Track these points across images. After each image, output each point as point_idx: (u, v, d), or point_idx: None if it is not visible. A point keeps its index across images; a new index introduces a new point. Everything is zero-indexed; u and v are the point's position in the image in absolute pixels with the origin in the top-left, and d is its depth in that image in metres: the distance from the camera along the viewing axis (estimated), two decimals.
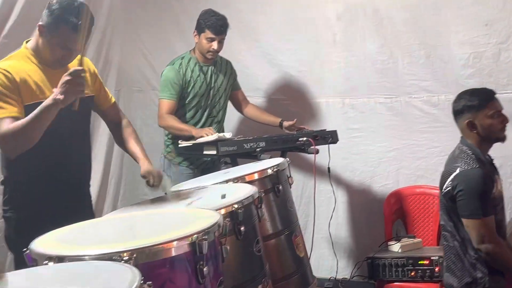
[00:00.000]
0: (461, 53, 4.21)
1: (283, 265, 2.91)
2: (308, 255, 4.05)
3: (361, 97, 4.46)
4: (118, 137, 3.07)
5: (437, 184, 3.44)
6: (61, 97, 2.41)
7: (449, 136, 3.96)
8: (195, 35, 4.02)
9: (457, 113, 3.25)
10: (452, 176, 3.09)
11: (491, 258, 3.00)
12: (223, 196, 2.47)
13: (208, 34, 3.94)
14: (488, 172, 3.11)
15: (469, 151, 3.12)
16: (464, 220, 3.04)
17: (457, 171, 3.07)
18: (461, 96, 3.27)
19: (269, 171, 2.89)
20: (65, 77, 2.42)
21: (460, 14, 4.20)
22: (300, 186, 4.46)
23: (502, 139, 3.18)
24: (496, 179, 3.18)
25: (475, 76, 4.17)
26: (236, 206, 2.34)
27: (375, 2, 4.34)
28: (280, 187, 2.91)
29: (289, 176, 3.10)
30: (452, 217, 3.13)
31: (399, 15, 4.30)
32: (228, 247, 2.19)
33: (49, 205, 2.70)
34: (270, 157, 3.51)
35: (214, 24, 3.93)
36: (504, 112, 3.20)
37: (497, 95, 3.23)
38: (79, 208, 2.87)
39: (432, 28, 4.27)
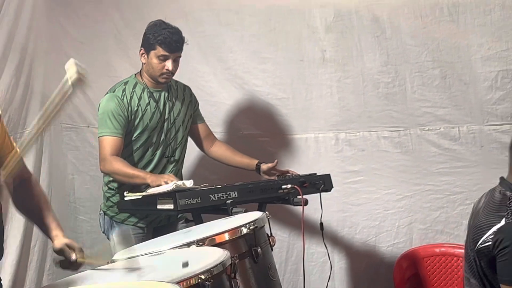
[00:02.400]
0: (487, 71, 4.27)
1: None
2: None
3: (360, 131, 4.49)
4: (21, 198, 2.84)
5: (462, 242, 3.44)
6: None
7: (475, 179, 4.01)
8: (142, 53, 3.99)
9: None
10: (493, 230, 3.00)
11: None
12: (185, 264, 2.44)
13: (160, 51, 3.92)
14: None
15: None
16: (503, 287, 3.00)
17: (502, 222, 2.99)
18: None
19: (244, 230, 2.89)
20: None
21: (483, 22, 4.26)
22: (285, 248, 4.49)
23: None
24: None
25: (506, 100, 4.23)
26: (202, 277, 2.33)
27: (374, 8, 4.37)
28: (259, 250, 2.92)
29: (269, 235, 3.10)
30: (485, 283, 3.10)
31: (406, 23, 4.35)
32: None
33: None
34: (245, 211, 3.48)
35: (167, 39, 3.92)
36: None
37: None
38: None
39: (448, 40, 4.32)
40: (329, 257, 4.28)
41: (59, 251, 2.65)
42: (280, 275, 4.26)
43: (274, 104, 4.55)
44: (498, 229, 2.96)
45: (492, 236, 2.97)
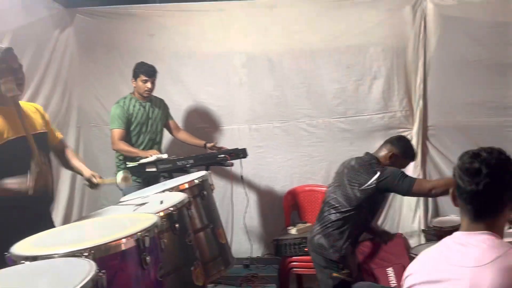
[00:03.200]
0: (331, 88, 4.34)
1: (210, 251, 2.92)
2: (229, 242, 4.08)
3: (263, 123, 4.47)
4: (62, 160, 2.95)
5: (321, 183, 3.47)
6: None
7: (326, 149, 4.09)
8: (133, 80, 3.98)
9: (390, 143, 3.22)
10: (375, 177, 2.97)
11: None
12: (161, 202, 2.46)
13: (143, 77, 3.92)
14: None
15: (377, 164, 3.08)
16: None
17: (378, 173, 2.98)
18: (401, 139, 3.30)
19: (196, 181, 2.91)
20: None
21: (329, 60, 4.34)
22: (222, 191, 4.42)
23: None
24: None
25: (341, 104, 4.31)
26: (171, 209, 2.35)
27: (268, 54, 4.38)
28: (205, 193, 2.94)
29: (211, 184, 3.12)
30: (352, 204, 3.03)
31: (286, 62, 4.38)
32: (166, 240, 2.20)
33: (19, 218, 2.47)
34: (197, 171, 3.48)
35: (147, 70, 3.92)
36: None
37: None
38: (42, 220, 2.65)
39: (310, 71, 4.36)
40: (246, 195, 4.35)
41: (88, 179, 2.77)
42: (219, 205, 4.30)
43: (213, 109, 4.52)
44: (378, 176, 2.99)
45: (376, 180, 2.98)
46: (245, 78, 4.45)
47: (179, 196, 2.53)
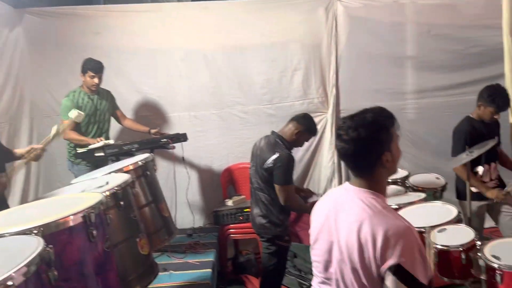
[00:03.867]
0: (259, 79, 4.39)
1: (154, 223, 2.91)
2: (173, 215, 4.06)
3: (201, 111, 4.44)
4: None
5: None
6: None
7: (255, 131, 4.14)
8: (81, 75, 3.84)
9: (299, 117, 3.17)
10: (273, 157, 2.97)
11: (291, 208, 3.10)
12: (107, 183, 2.43)
13: (90, 73, 3.78)
14: (292, 156, 3.06)
15: (281, 142, 3.06)
16: (276, 186, 2.99)
17: (277, 154, 2.98)
18: (311, 119, 3.21)
19: (140, 163, 2.87)
20: None
21: (257, 55, 4.38)
22: (166, 171, 4.38)
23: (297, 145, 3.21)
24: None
25: (268, 93, 4.38)
26: (116, 188, 2.33)
27: (204, 49, 4.35)
28: (148, 173, 2.91)
29: (154, 165, 3.09)
30: (265, 183, 3.06)
31: (220, 57, 4.37)
32: (111, 216, 2.18)
33: None
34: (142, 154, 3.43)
35: (94, 66, 3.79)
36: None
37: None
38: None
39: (240, 64, 4.39)
40: (188, 174, 4.33)
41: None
42: (165, 183, 4.31)
43: (156, 99, 4.43)
44: (276, 157, 3.00)
45: (272, 161, 3.00)
46: (184, 71, 4.39)
47: (124, 177, 2.50)
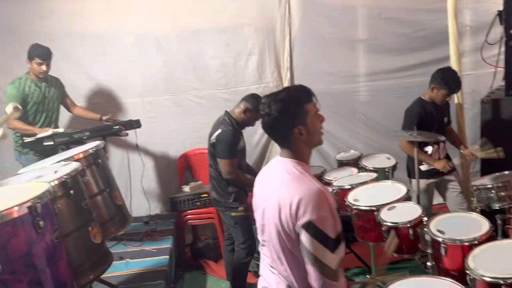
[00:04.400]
0: (214, 64, 4.35)
1: (108, 212, 2.89)
2: (129, 203, 4.03)
3: (154, 96, 4.37)
4: None
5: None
6: None
7: (211, 117, 4.10)
8: (28, 62, 3.68)
9: (244, 100, 3.26)
10: (216, 133, 3.11)
11: (234, 182, 3.17)
12: (55, 172, 2.37)
13: (37, 60, 3.63)
14: (238, 132, 3.20)
15: (229, 120, 3.17)
16: (219, 160, 3.12)
17: (220, 130, 3.12)
18: (254, 96, 3.27)
19: (90, 151, 2.83)
20: None
21: (211, 39, 4.32)
22: (120, 158, 4.30)
23: (247, 126, 3.28)
24: (241, 138, 3.24)
25: (223, 78, 4.35)
26: (65, 177, 2.28)
27: (156, 33, 4.26)
28: (100, 161, 2.87)
29: (106, 152, 3.06)
30: (214, 158, 3.19)
31: (172, 41, 4.30)
32: (61, 206, 2.14)
33: None
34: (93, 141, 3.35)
35: (41, 53, 3.63)
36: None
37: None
38: None
39: (194, 48, 4.32)
40: (142, 161, 4.26)
41: None
42: (119, 171, 4.25)
43: (108, 85, 4.32)
44: (219, 133, 3.12)
45: (216, 136, 3.13)
46: (135, 56, 4.29)
47: (73, 165, 2.45)
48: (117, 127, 3.74)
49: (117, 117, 4.12)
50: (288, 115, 1.64)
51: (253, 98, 3.24)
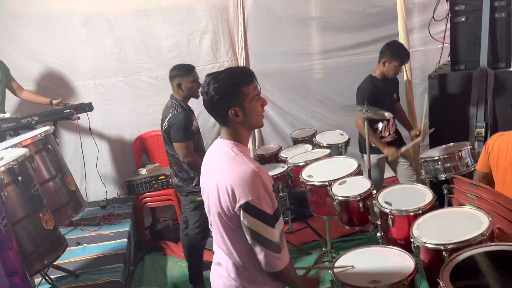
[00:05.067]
0: (167, 43, 4.31)
1: (61, 197, 2.87)
2: (83, 187, 3.97)
3: (106, 78, 4.29)
4: None
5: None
6: None
7: (166, 98, 4.07)
8: None
9: (171, 78, 3.22)
10: (168, 118, 3.09)
11: (192, 165, 3.15)
12: (2, 158, 2.32)
13: None
14: (189, 114, 3.18)
15: (176, 103, 3.15)
16: (175, 144, 3.10)
17: (171, 114, 3.09)
18: (173, 68, 3.23)
19: (39, 136, 2.77)
20: None
21: (163, 18, 4.28)
22: (74, 143, 4.22)
23: (196, 96, 3.21)
24: (193, 119, 3.23)
25: (176, 57, 4.28)
26: (12, 163, 2.23)
27: (106, 13, 4.17)
28: (49, 146, 2.82)
29: (56, 137, 3.00)
30: (169, 144, 3.16)
31: (124, 21, 4.22)
32: (9, 193, 2.10)
33: None
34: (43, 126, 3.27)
35: None
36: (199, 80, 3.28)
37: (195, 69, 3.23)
38: None
39: (146, 28, 4.27)
40: (96, 144, 4.17)
41: None
42: (73, 156, 4.20)
43: (57, 67, 4.20)
44: (169, 117, 3.09)
45: (167, 122, 3.10)
46: (85, 37, 4.19)
47: (20, 151, 2.40)
48: (68, 111, 3.67)
49: (68, 100, 4.02)
50: (224, 96, 1.67)
51: (178, 70, 3.19)
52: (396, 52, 3.42)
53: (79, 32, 4.18)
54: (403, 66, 3.56)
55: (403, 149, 3.49)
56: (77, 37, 4.18)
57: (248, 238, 1.66)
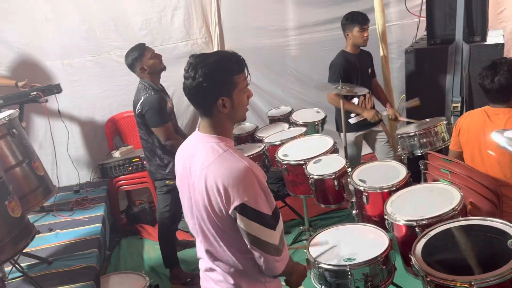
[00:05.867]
0: (137, 20, 4.22)
1: (29, 183, 2.82)
2: (54, 172, 3.92)
3: (75, 58, 4.20)
4: None
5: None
6: None
7: (136, 78, 4.02)
8: None
9: (131, 67, 3.13)
10: (140, 102, 3.03)
11: (173, 148, 3.07)
12: None
13: None
14: (161, 95, 3.11)
15: (147, 85, 3.09)
16: (153, 129, 3.04)
17: (143, 98, 3.03)
18: (126, 56, 3.14)
19: (3, 121, 2.70)
20: None
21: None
22: (43, 127, 4.15)
23: (162, 69, 3.16)
24: (167, 99, 3.18)
25: (148, 35, 4.23)
26: None
27: None
28: (15, 131, 2.76)
29: (22, 121, 2.93)
30: (143, 128, 3.12)
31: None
32: None
33: None
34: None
35: None
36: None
37: (153, 48, 3.17)
38: None
39: (114, 4, 4.16)
40: (66, 128, 4.10)
41: None
42: (42, 141, 4.13)
43: (21, 47, 4.07)
44: (141, 101, 3.04)
45: (140, 106, 3.04)
46: (49, 15, 4.07)
47: None
48: (35, 93, 3.58)
49: (35, 82, 3.91)
50: (214, 83, 1.51)
51: (131, 55, 3.09)
52: (350, 18, 3.43)
53: (42, 10, 4.05)
54: (368, 31, 3.46)
55: (384, 113, 3.52)
56: (41, 15, 4.06)
57: (247, 242, 1.55)
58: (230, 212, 1.52)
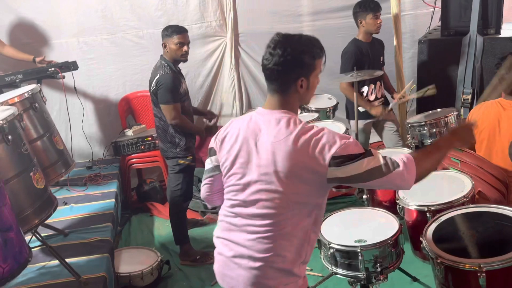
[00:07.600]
0: (153, 1, 4.23)
1: (49, 157, 2.89)
2: (70, 148, 3.99)
3: (91, 36, 4.23)
4: None
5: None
6: None
7: (152, 58, 4.07)
8: None
9: (161, 37, 3.20)
10: (156, 79, 3.09)
11: (180, 128, 3.18)
12: None
13: None
14: (177, 76, 3.17)
15: (165, 64, 3.14)
16: (162, 106, 3.11)
17: (159, 75, 3.09)
18: (167, 26, 3.20)
19: (26, 95, 2.77)
20: None
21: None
22: (58, 102, 4.21)
23: (180, 61, 3.21)
24: (182, 81, 3.23)
25: (163, 16, 4.26)
26: (2, 122, 2.26)
27: None
28: (37, 105, 2.82)
29: (42, 96, 2.98)
30: (157, 106, 3.17)
31: None
32: None
33: None
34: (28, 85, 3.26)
35: None
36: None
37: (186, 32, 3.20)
38: None
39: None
40: (82, 104, 4.15)
41: None
42: (58, 115, 4.19)
43: (38, 24, 4.11)
44: (157, 78, 3.10)
45: (155, 83, 3.10)
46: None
47: (9, 110, 2.41)
48: (53, 69, 3.63)
49: (51, 58, 3.96)
50: (301, 63, 1.57)
51: (165, 29, 3.16)
52: (363, 6, 3.45)
53: None
54: (381, 18, 3.48)
55: (390, 107, 3.57)
56: None
57: (364, 185, 1.57)
58: (324, 169, 1.53)
